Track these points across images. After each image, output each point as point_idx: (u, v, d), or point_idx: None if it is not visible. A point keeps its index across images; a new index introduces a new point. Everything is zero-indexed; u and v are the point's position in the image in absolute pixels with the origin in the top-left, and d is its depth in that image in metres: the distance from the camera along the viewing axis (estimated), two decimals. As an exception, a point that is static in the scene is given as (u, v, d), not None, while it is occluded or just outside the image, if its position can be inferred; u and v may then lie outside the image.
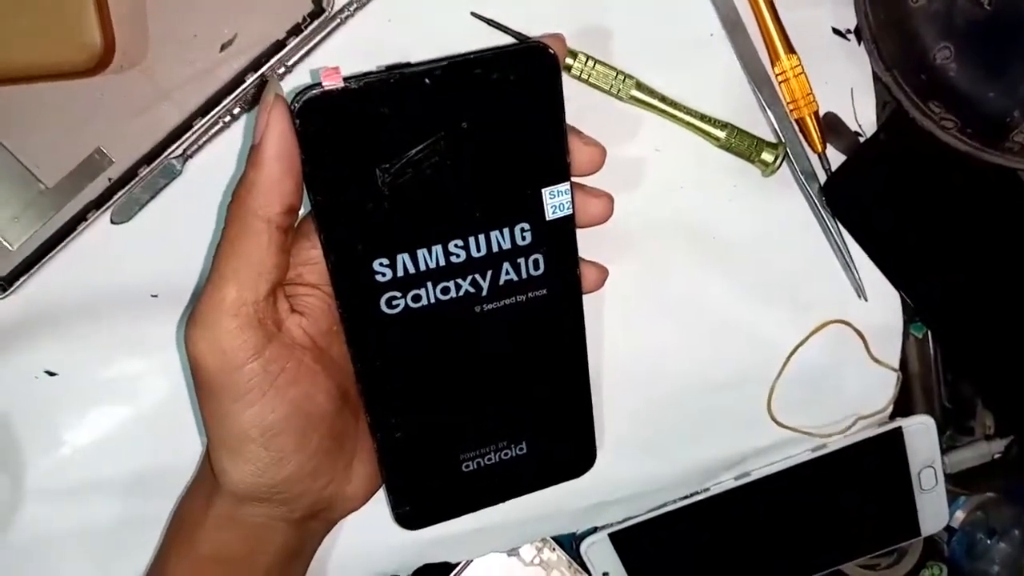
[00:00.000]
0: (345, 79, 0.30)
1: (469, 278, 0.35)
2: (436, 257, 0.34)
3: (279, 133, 0.31)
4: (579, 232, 0.36)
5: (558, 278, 0.36)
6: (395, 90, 0.31)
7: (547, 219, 0.35)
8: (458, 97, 0.32)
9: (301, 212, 0.33)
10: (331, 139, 0.31)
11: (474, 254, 0.35)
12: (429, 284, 0.35)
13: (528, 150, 0.34)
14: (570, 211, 0.35)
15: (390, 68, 0.31)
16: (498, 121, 0.33)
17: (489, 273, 0.35)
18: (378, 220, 0.33)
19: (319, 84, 0.30)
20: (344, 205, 0.32)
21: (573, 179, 0.35)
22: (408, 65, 0.31)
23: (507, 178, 0.34)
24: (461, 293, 0.35)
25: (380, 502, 0.40)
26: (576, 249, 0.36)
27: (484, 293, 0.35)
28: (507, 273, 0.35)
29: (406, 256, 0.34)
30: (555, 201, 0.35)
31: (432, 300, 0.35)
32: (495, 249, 0.35)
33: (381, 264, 0.34)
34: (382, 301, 0.34)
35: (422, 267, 0.34)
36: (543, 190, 0.34)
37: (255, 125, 0.31)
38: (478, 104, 0.32)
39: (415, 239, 0.34)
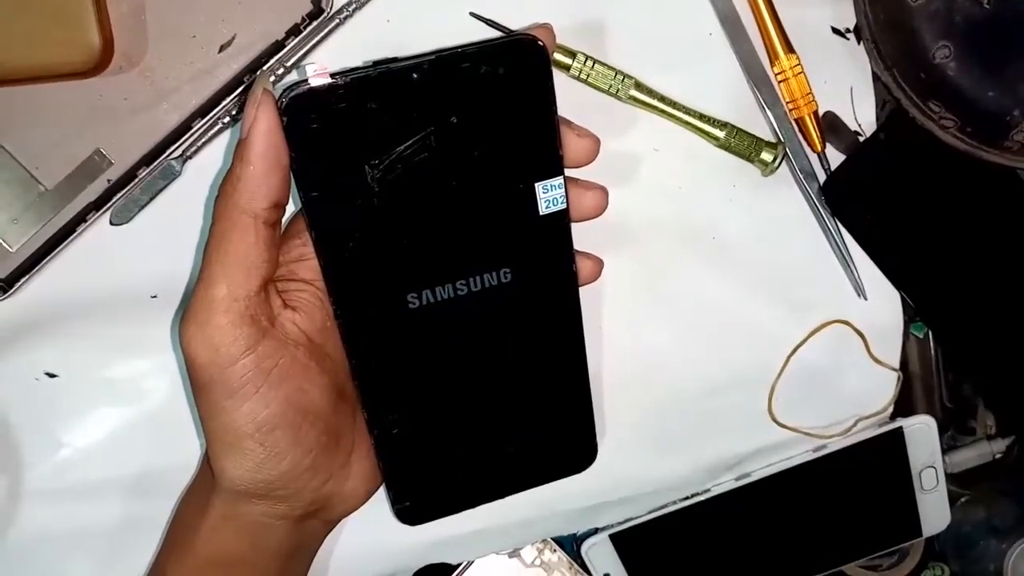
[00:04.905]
0: (332, 75, 0.30)
1: (464, 274, 0.35)
2: (429, 254, 0.34)
3: (265, 129, 0.31)
4: (578, 230, 0.36)
5: (554, 273, 0.36)
6: (382, 85, 0.31)
7: (540, 214, 0.35)
8: (446, 91, 0.32)
9: (291, 208, 0.33)
10: (319, 135, 0.31)
11: (467, 250, 0.35)
12: (423, 280, 0.35)
13: (520, 144, 0.34)
14: (564, 205, 0.35)
15: (377, 63, 0.31)
16: (488, 115, 0.33)
17: (483, 269, 0.35)
18: (368, 216, 0.33)
19: (306, 80, 0.30)
20: (334, 201, 0.32)
21: (567, 172, 0.35)
22: (395, 60, 0.31)
23: (499, 173, 0.34)
24: (456, 288, 0.35)
25: (380, 504, 0.40)
26: (571, 243, 0.36)
27: (479, 288, 0.35)
28: (502, 269, 0.35)
29: (398, 253, 0.34)
30: (548, 195, 0.35)
31: (426, 296, 0.35)
32: (488, 245, 0.35)
33: (373, 261, 0.34)
34: (375, 297, 0.34)
35: (415, 264, 0.34)
36: (536, 184, 0.34)
37: (242, 120, 0.31)
38: (467, 98, 0.32)
39: (406, 236, 0.34)
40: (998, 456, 0.52)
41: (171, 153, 0.41)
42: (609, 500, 0.48)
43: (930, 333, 0.50)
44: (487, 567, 0.49)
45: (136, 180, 0.41)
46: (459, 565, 0.49)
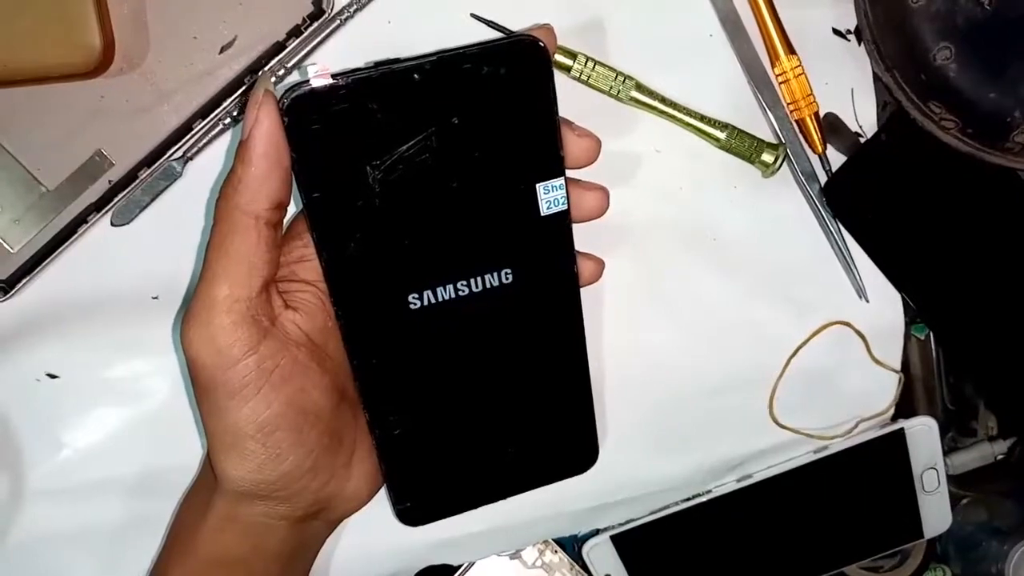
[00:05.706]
0: (333, 75, 0.31)
1: (465, 275, 0.35)
2: (430, 254, 0.34)
3: (267, 130, 0.31)
4: (579, 231, 0.36)
5: (555, 274, 0.36)
6: (384, 86, 0.31)
7: (542, 215, 0.35)
8: (448, 92, 0.32)
9: (293, 209, 0.33)
10: (320, 136, 0.31)
11: (469, 251, 0.35)
12: (424, 281, 0.35)
13: (521, 144, 0.34)
14: (565, 206, 0.35)
15: (379, 64, 0.31)
16: (489, 116, 0.33)
17: (485, 270, 0.35)
18: (369, 217, 0.33)
19: (307, 81, 0.30)
20: (335, 202, 0.32)
21: (568, 173, 0.35)
22: (397, 61, 0.31)
23: (500, 174, 0.34)
24: (457, 289, 0.35)
25: (381, 505, 0.40)
26: (572, 244, 0.36)
27: (480, 289, 0.35)
28: (503, 269, 0.35)
29: (399, 254, 0.34)
30: (549, 196, 0.35)
31: (428, 297, 0.35)
32: (490, 246, 0.35)
33: (374, 262, 0.34)
34: (376, 298, 0.34)
35: (416, 264, 0.34)
36: (537, 185, 0.34)
37: (243, 121, 0.31)
38: (468, 99, 0.32)
39: (407, 236, 0.34)
40: (999, 457, 0.51)
41: (172, 154, 0.41)
42: (610, 501, 0.48)
43: (931, 334, 0.50)
44: (488, 568, 0.49)
45: (137, 181, 0.41)
46: (460, 566, 0.49)
